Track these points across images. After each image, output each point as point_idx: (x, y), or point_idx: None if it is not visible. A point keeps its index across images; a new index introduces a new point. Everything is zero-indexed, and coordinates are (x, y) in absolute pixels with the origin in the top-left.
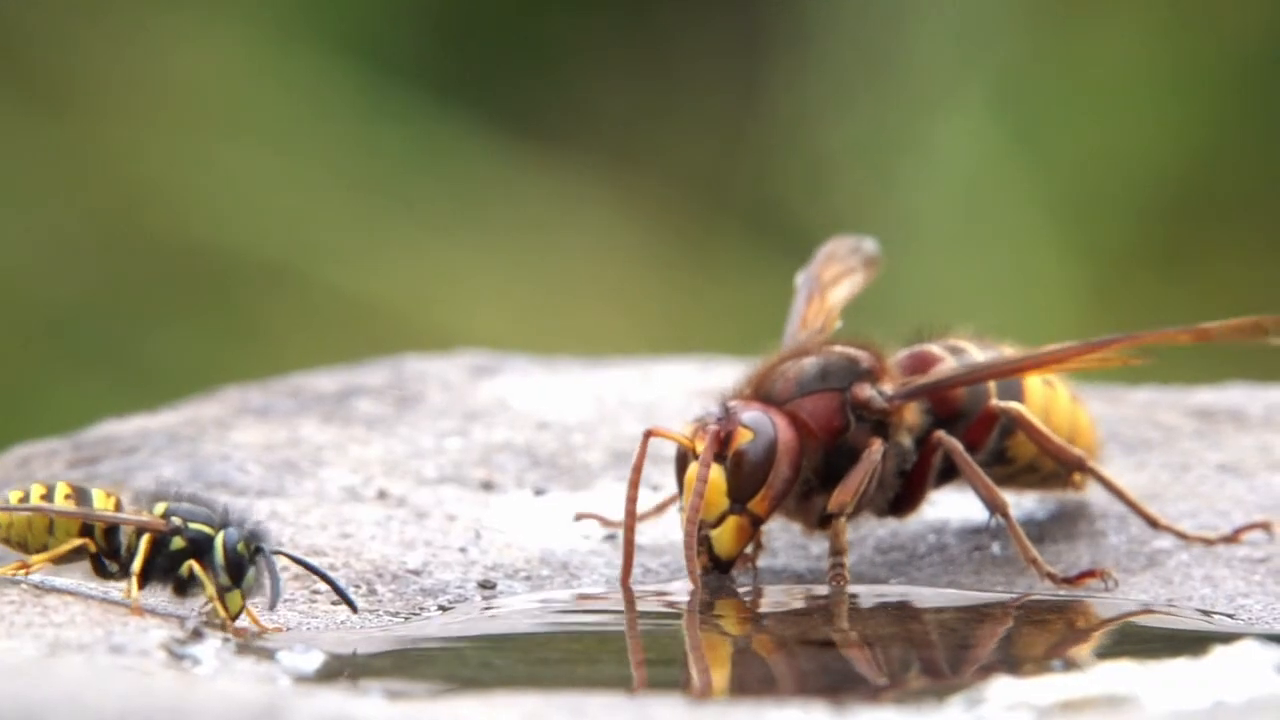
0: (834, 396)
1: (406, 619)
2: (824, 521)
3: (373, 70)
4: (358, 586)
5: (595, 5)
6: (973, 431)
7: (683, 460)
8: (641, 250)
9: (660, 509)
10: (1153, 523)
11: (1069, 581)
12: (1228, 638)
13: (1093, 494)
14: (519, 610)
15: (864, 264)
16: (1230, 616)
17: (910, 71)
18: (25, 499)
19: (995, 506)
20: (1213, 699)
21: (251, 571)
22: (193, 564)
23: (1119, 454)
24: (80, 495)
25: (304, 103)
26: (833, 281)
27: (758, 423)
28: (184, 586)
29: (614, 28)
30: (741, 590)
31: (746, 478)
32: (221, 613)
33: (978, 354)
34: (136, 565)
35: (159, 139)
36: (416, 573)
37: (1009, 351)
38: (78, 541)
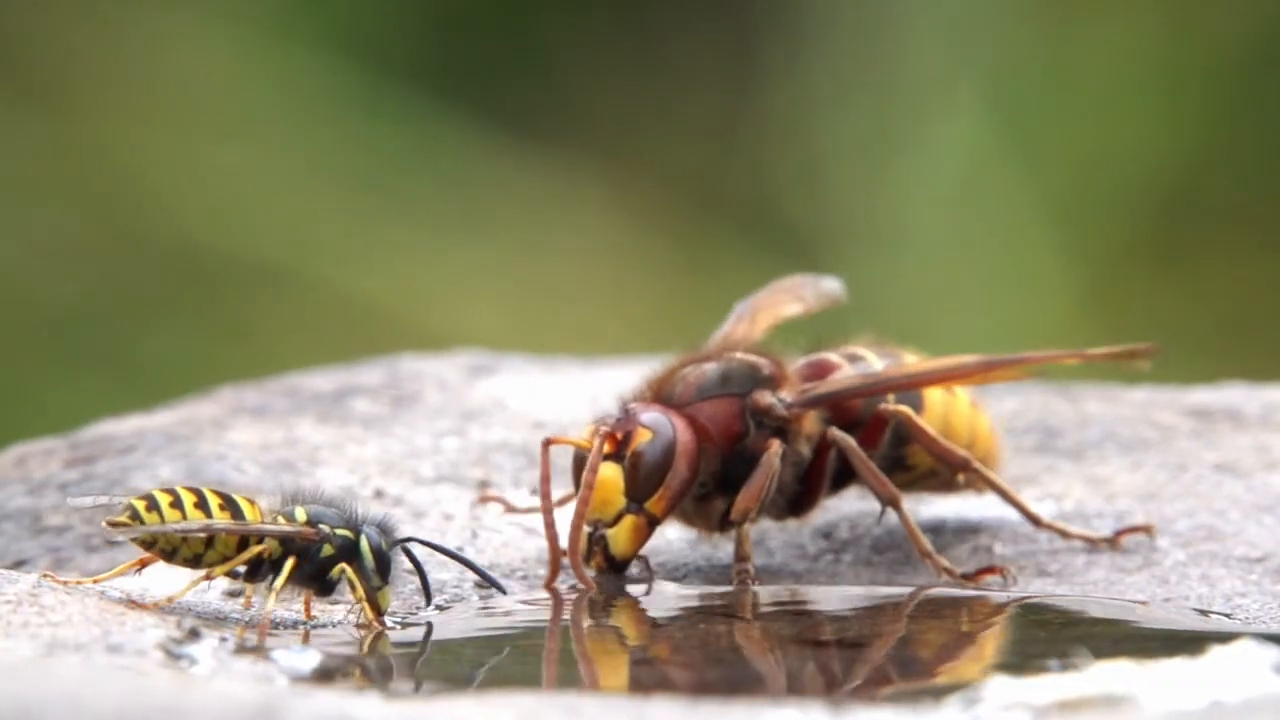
0: (734, 402)
1: (403, 619)
2: (724, 525)
3: (368, 69)
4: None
5: (590, 5)
6: (867, 435)
7: (580, 462)
8: (636, 249)
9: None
10: (1035, 521)
11: (967, 578)
12: (1225, 637)
13: (1087, 495)
14: (515, 610)
15: (817, 296)
16: (1227, 616)
17: (904, 71)
18: (176, 503)
19: (888, 499)
20: (1210, 698)
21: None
22: (345, 567)
23: (1116, 454)
24: (229, 504)
25: (299, 102)
26: (769, 306)
27: (657, 423)
28: (328, 588)
29: (609, 28)
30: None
31: (644, 477)
32: (370, 614)
33: (876, 361)
34: (279, 583)
35: (154, 138)
36: (413, 572)
37: (908, 358)
38: (256, 549)
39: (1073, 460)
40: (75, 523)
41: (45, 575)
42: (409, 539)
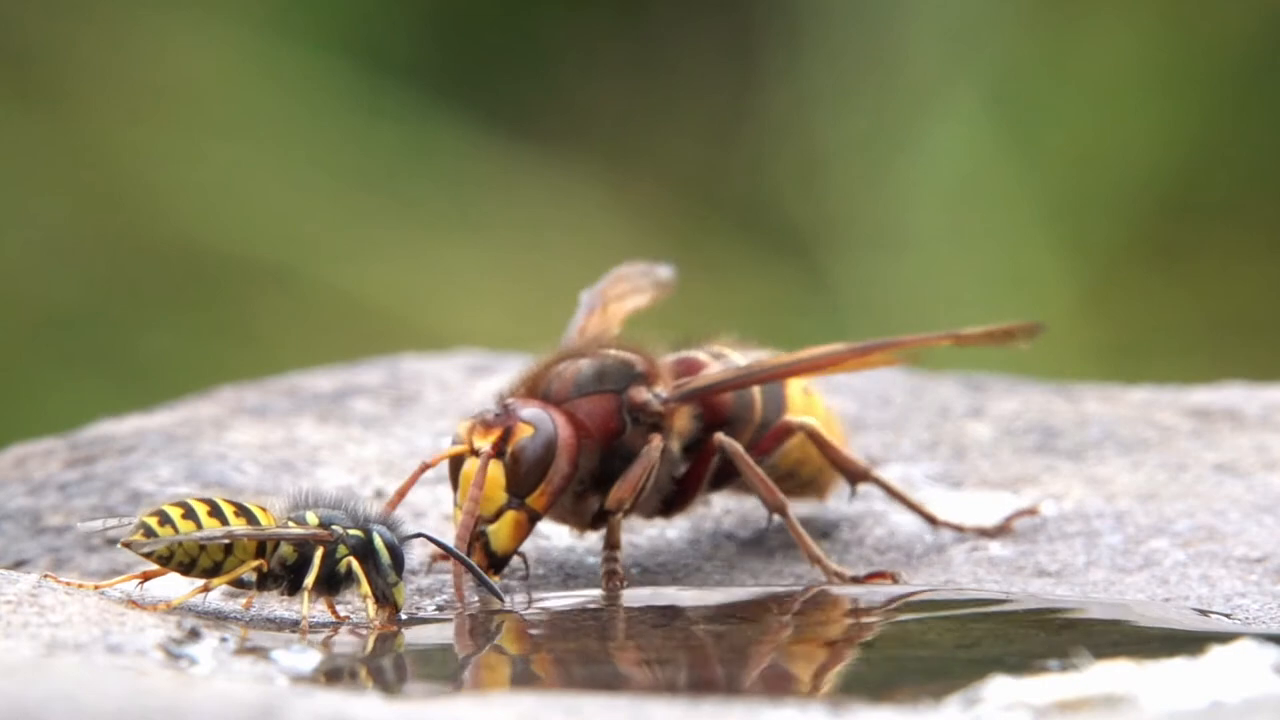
0: (611, 398)
1: (404, 619)
2: (597, 522)
3: (368, 69)
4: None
5: (589, 4)
6: (765, 443)
7: (457, 461)
8: (635, 249)
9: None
10: (931, 520)
11: (857, 580)
12: (1225, 637)
13: (1087, 495)
14: (515, 610)
15: (654, 285)
16: (1227, 616)
17: (903, 70)
18: (189, 514)
19: (775, 506)
20: (1210, 699)
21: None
22: (351, 561)
23: (1116, 454)
24: (243, 511)
25: (299, 102)
26: (617, 298)
27: (537, 419)
28: (336, 586)
29: (608, 27)
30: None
31: (525, 473)
32: (374, 610)
33: (741, 359)
34: (310, 580)
35: (153, 138)
36: (414, 572)
37: (767, 356)
38: (257, 562)
39: (1073, 460)
40: (75, 523)
41: (46, 575)
42: (418, 534)
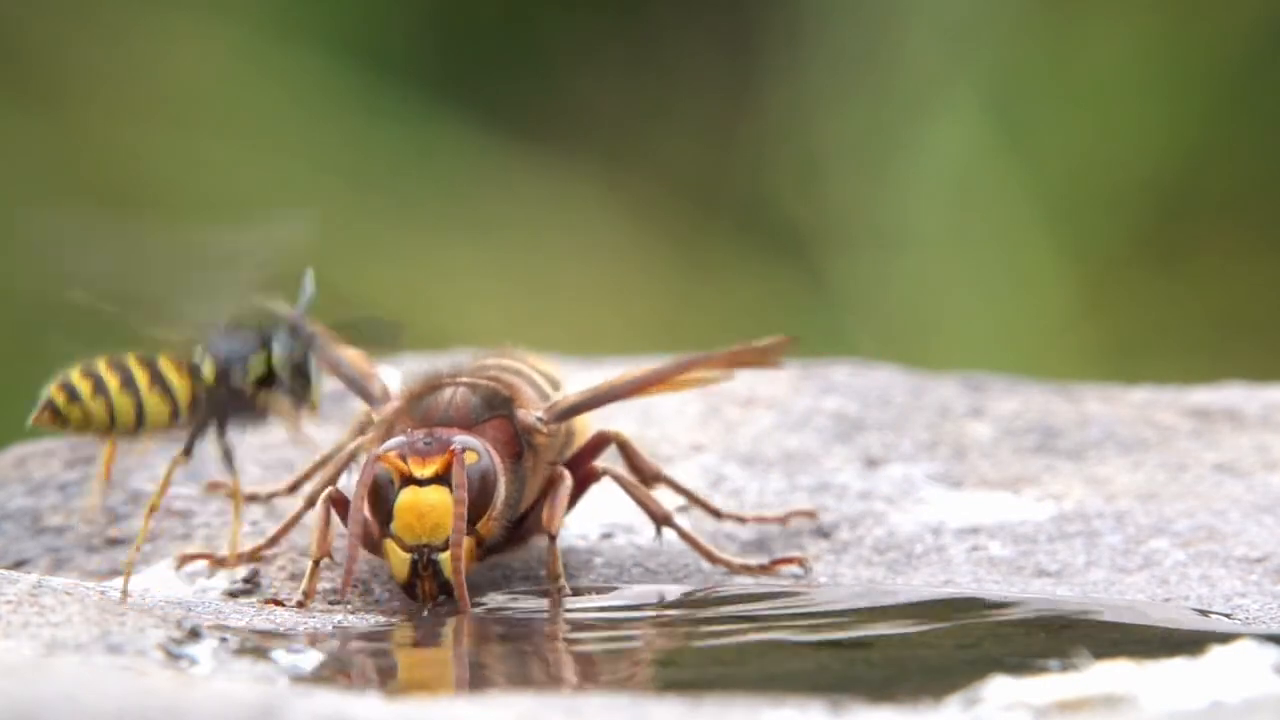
0: (507, 423)
1: (404, 619)
2: (489, 552)
3: (367, 69)
4: (355, 587)
5: (589, 4)
6: (586, 453)
7: (377, 492)
8: (635, 249)
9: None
10: (716, 514)
11: (764, 569)
12: (1225, 637)
13: (1087, 495)
14: (515, 609)
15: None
16: (1227, 616)
17: (902, 71)
18: (98, 388)
19: (661, 519)
20: (1210, 699)
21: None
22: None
23: (1116, 454)
24: (156, 378)
25: (298, 101)
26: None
27: (475, 446)
28: (263, 416)
29: (607, 27)
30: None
31: (475, 500)
32: (293, 428)
33: (535, 375)
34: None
35: (153, 138)
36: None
37: (536, 363)
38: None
39: (1073, 460)
40: (75, 523)
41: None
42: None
